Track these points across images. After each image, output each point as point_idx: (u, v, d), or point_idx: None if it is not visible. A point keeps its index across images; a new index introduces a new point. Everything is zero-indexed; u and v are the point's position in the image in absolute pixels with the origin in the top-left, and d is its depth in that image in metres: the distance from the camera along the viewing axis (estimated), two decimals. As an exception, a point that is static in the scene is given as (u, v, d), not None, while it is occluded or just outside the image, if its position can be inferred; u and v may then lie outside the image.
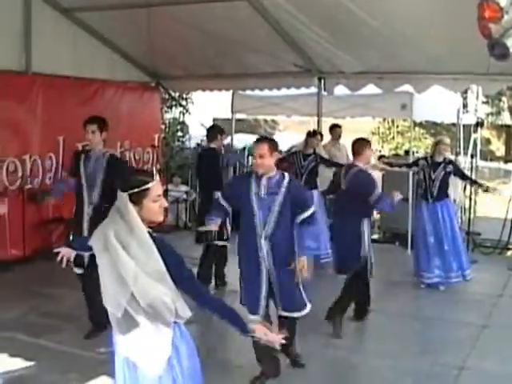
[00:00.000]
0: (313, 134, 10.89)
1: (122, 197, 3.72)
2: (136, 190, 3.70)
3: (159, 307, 3.63)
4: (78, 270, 7.05)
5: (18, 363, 6.41)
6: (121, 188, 3.74)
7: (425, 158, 9.78)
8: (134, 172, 4.05)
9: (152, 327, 3.72)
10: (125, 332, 3.73)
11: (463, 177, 10.07)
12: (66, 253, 4.59)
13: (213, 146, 9.47)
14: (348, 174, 7.69)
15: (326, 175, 10.91)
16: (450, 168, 9.52)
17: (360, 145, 7.72)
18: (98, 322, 6.93)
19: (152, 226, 3.82)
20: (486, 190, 10.08)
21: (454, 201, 12.04)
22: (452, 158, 11.01)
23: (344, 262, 7.73)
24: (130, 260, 3.60)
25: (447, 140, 9.89)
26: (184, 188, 14.76)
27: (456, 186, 12.36)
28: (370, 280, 7.94)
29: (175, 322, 3.77)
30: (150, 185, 3.73)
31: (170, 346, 3.78)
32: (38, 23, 10.50)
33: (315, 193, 10.81)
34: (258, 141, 6.14)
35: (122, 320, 3.70)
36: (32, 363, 6.42)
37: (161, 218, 3.85)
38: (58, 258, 4.54)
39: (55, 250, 4.62)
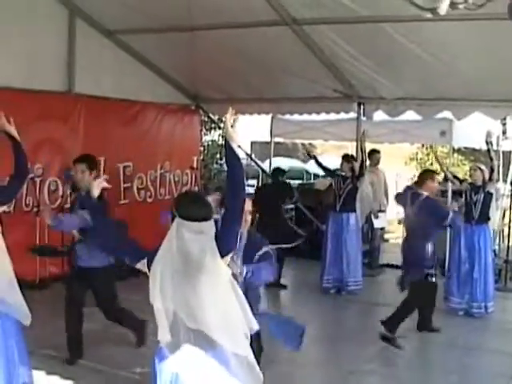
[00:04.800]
0: (347, 159, 10.95)
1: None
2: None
3: None
4: None
5: (55, 381, 6.46)
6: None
7: (469, 183, 9.75)
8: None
9: None
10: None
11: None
12: None
13: None
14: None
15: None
16: (487, 187, 9.53)
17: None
18: None
19: None
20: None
21: (493, 230, 11.93)
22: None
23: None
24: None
25: (478, 165, 9.89)
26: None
27: (494, 214, 12.26)
28: None
29: None
30: None
31: None
32: (82, 45, 10.71)
33: (353, 216, 10.82)
34: None
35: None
36: (69, 381, 6.46)
37: None
38: None
39: None
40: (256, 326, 3.96)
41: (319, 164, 11.17)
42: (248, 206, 5.15)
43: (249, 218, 5.47)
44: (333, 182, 11.10)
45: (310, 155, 11.51)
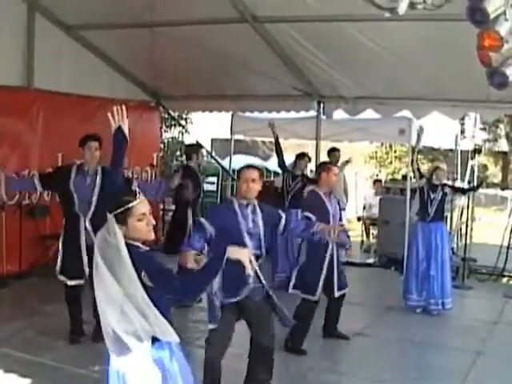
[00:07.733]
0: (301, 157, 11.02)
1: (109, 218, 3.77)
2: (119, 210, 3.77)
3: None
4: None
5: (12, 379, 6.37)
6: (108, 209, 3.81)
7: (427, 179, 9.81)
8: (122, 188, 4.04)
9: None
10: (118, 354, 3.76)
11: (463, 190, 10.37)
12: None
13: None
14: None
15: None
16: (446, 189, 9.66)
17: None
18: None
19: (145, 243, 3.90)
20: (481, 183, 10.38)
21: (450, 230, 12.08)
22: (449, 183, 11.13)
23: None
24: (114, 283, 3.65)
25: (444, 166, 9.96)
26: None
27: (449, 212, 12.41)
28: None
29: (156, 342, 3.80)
30: (132, 204, 3.80)
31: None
32: (41, 40, 10.57)
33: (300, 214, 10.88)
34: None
35: (114, 341, 3.74)
36: (27, 380, 6.38)
37: (150, 236, 3.90)
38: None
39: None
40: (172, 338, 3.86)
41: (277, 147, 11.19)
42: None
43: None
44: (282, 177, 11.17)
45: (274, 134, 11.33)
